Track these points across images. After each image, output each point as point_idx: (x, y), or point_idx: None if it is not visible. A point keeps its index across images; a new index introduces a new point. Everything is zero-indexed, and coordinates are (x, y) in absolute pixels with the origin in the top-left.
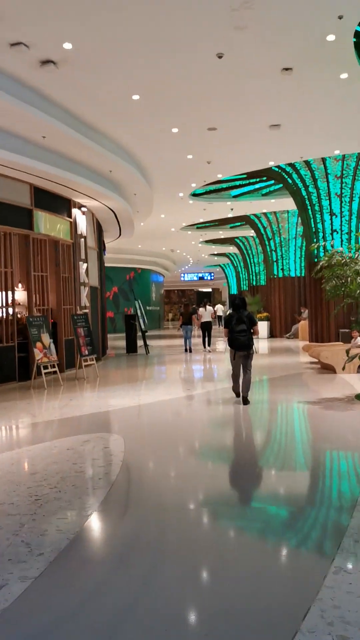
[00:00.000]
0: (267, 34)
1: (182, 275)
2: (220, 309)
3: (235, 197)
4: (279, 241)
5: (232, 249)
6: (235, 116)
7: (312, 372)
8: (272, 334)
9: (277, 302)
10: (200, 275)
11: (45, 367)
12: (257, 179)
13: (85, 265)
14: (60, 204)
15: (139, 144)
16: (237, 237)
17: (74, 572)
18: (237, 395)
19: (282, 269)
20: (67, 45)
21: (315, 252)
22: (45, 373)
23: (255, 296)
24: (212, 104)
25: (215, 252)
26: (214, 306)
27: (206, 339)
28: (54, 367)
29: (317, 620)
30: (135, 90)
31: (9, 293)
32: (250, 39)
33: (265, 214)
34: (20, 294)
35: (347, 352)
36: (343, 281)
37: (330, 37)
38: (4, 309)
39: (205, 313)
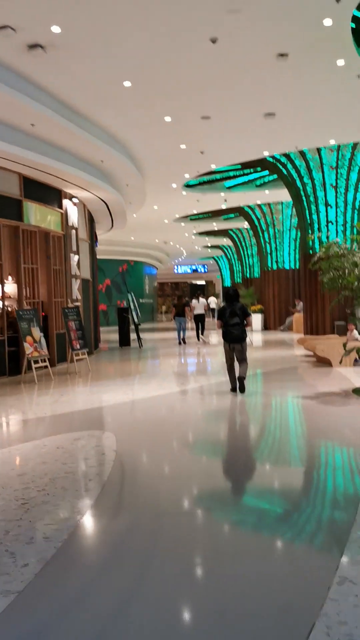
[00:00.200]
0: (262, 18)
1: (176, 267)
2: (213, 302)
3: (229, 188)
4: (273, 233)
5: (225, 241)
6: (229, 104)
7: (307, 366)
8: (266, 327)
9: (271, 294)
10: (193, 267)
11: (36, 362)
12: (251, 170)
13: (76, 257)
14: (50, 195)
15: (131, 133)
16: (230, 229)
17: (61, 585)
18: (234, 390)
19: (276, 261)
20: (56, 29)
21: (310, 243)
22: (35, 368)
23: (249, 288)
24: (206, 92)
25: (209, 244)
26: (207, 299)
27: (199, 331)
28: (44, 361)
29: (323, 638)
30: (127, 76)
31: None
32: (245, 23)
33: (259, 205)
34: (10, 287)
35: (344, 345)
36: (340, 273)
37: (327, 22)
38: None
39: (198, 305)
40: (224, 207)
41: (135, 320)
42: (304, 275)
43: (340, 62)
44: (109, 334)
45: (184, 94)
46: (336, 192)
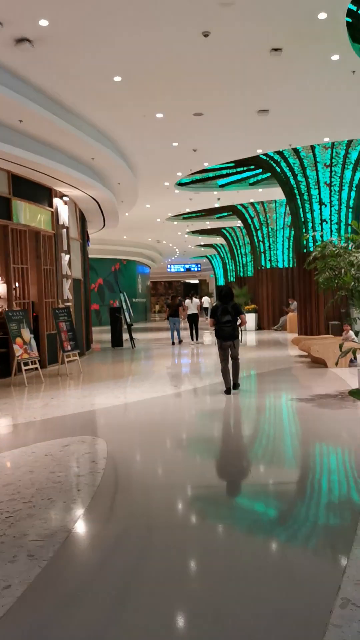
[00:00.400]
0: (256, 11)
1: (169, 266)
2: (206, 301)
3: (222, 186)
4: (267, 232)
5: (219, 240)
6: (222, 100)
7: (302, 366)
8: (259, 326)
9: (264, 293)
10: (187, 266)
11: (26, 364)
12: (245, 168)
13: (67, 256)
14: (40, 193)
15: (122, 130)
16: (224, 228)
17: (45, 611)
18: (228, 392)
19: (270, 260)
20: (43, 22)
21: (305, 242)
22: (26, 370)
23: (243, 288)
24: (198, 87)
25: (202, 243)
26: (200, 298)
27: (193, 331)
28: (35, 363)
29: None
30: (117, 71)
31: None
32: (238, 16)
33: (252, 203)
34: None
35: (341, 346)
36: (336, 273)
37: (322, 15)
38: None
39: (191, 305)
40: (217, 205)
41: (128, 320)
42: (298, 275)
43: (335, 57)
44: (102, 334)
45: (175, 89)
46: (330, 190)
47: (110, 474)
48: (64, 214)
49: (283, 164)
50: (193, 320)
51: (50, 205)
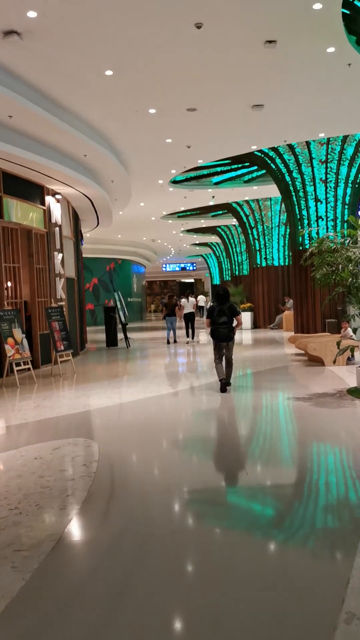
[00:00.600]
0: (249, 0)
1: (164, 265)
2: (202, 300)
3: (216, 184)
4: (262, 230)
5: (214, 239)
6: (215, 95)
7: (299, 365)
8: (255, 325)
9: (260, 292)
10: (182, 265)
11: (18, 364)
12: (239, 165)
13: (60, 255)
14: (32, 191)
15: (114, 125)
16: (219, 226)
17: (28, 629)
18: (223, 390)
19: (266, 258)
20: (31, 14)
21: (300, 239)
22: (17, 370)
23: (238, 286)
24: (191, 82)
25: (197, 242)
26: (196, 297)
27: (189, 330)
28: (27, 363)
29: None
30: (108, 64)
31: None
32: (231, 6)
33: (247, 201)
34: None
35: (338, 343)
36: (334, 269)
37: (317, 6)
38: None
39: (187, 304)
40: (211, 203)
41: (123, 319)
42: (294, 272)
43: (331, 50)
44: (97, 334)
45: (168, 83)
46: (326, 187)
47: (102, 477)
48: (57, 212)
49: (278, 161)
50: (189, 319)
51: (43, 203)
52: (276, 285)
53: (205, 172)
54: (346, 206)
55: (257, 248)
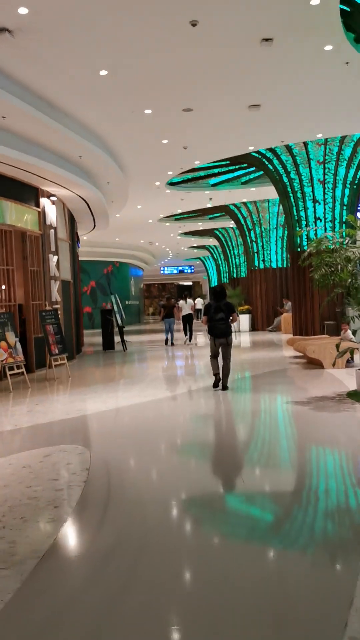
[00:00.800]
0: None
1: (162, 268)
2: (200, 303)
3: (213, 185)
4: (260, 232)
5: (211, 241)
6: (212, 95)
7: (298, 368)
8: (254, 327)
9: (258, 294)
10: (180, 268)
11: (11, 368)
12: (237, 166)
13: (55, 258)
14: (27, 193)
15: (109, 126)
16: (216, 229)
17: None
18: (216, 386)
19: (263, 260)
20: (23, 10)
21: (298, 240)
22: (11, 375)
23: (236, 288)
24: (187, 81)
25: (195, 245)
26: (194, 300)
27: (187, 331)
28: (20, 367)
29: None
30: (102, 64)
31: None
32: (227, 3)
33: (245, 203)
34: None
35: (337, 346)
36: (333, 269)
37: (315, 1)
38: None
39: (185, 306)
40: (209, 205)
41: (119, 322)
42: (292, 274)
43: (328, 48)
44: (95, 337)
45: (163, 83)
46: (324, 187)
47: (91, 488)
48: (52, 214)
49: (275, 162)
50: (187, 320)
51: (37, 205)
52: (274, 288)
53: (202, 173)
54: (344, 207)
55: (255, 250)
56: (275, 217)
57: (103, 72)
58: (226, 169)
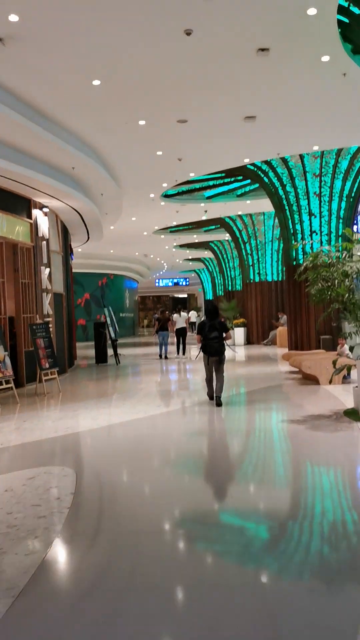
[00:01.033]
0: (241, 5)
1: (157, 281)
2: (194, 316)
3: (209, 198)
4: (255, 245)
5: (207, 254)
6: (207, 106)
7: (293, 383)
8: (249, 341)
9: (253, 307)
10: (175, 280)
11: (0, 383)
12: (232, 179)
13: (47, 270)
14: (18, 204)
15: (103, 137)
16: (211, 241)
17: None
18: (211, 398)
19: (259, 273)
20: (13, 18)
21: (294, 253)
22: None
23: (231, 301)
24: (182, 92)
25: (190, 257)
26: (188, 312)
27: (181, 345)
28: (9, 382)
29: None
30: (95, 73)
31: None
32: (222, 12)
33: (240, 216)
34: None
35: (334, 363)
36: (329, 284)
37: (312, 11)
38: None
39: (180, 319)
40: (204, 218)
41: (113, 335)
42: (288, 287)
43: (325, 59)
44: (88, 350)
45: (158, 94)
46: (320, 200)
47: (76, 515)
48: (44, 225)
49: (271, 174)
50: (181, 334)
51: (29, 216)
52: (269, 301)
53: (197, 185)
54: (340, 220)
55: (250, 263)
56: (271, 230)
57: (96, 82)
58: (222, 181)
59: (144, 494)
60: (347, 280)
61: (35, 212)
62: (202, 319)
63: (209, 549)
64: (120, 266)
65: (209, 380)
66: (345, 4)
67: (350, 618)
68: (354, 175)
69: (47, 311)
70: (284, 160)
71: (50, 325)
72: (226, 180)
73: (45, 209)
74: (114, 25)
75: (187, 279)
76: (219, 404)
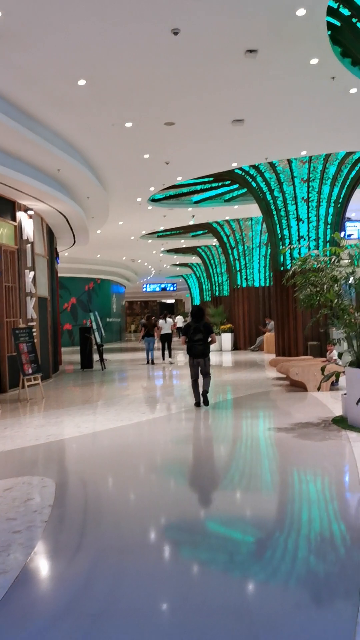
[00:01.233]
0: (229, 5)
1: (144, 286)
2: (180, 321)
3: (196, 202)
4: (243, 250)
5: (194, 259)
6: (194, 108)
7: (280, 390)
8: (236, 346)
9: (241, 313)
10: (162, 286)
11: None
12: (220, 183)
13: (32, 273)
14: (2, 206)
15: (88, 139)
16: (199, 247)
17: None
18: (197, 405)
19: (246, 279)
20: None
21: (282, 259)
22: None
23: (219, 307)
24: (169, 93)
25: (178, 262)
26: (175, 317)
27: (166, 351)
28: None
29: None
30: (81, 73)
31: None
32: (209, 11)
33: (228, 221)
34: None
35: (323, 370)
36: (318, 289)
37: (301, 12)
38: None
39: (165, 325)
40: (191, 223)
41: (98, 340)
42: (275, 293)
43: (314, 61)
44: (74, 355)
45: (144, 95)
46: (308, 205)
47: (54, 529)
48: (29, 228)
49: (259, 179)
50: (166, 339)
51: (14, 218)
52: (257, 306)
53: (185, 190)
54: (328, 226)
55: (238, 268)
56: (258, 236)
57: (81, 82)
58: (209, 185)
59: (127, 506)
60: (336, 285)
61: (20, 215)
62: (188, 322)
63: (194, 566)
64: (107, 271)
65: (194, 385)
66: (335, 5)
67: (337, 633)
68: (342, 181)
69: (31, 315)
70: (272, 165)
71: (34, 330)
72: (214, 184)
73: (30, 212)
74: (98, 22)
75: (175, 285)
76: (205, 403)
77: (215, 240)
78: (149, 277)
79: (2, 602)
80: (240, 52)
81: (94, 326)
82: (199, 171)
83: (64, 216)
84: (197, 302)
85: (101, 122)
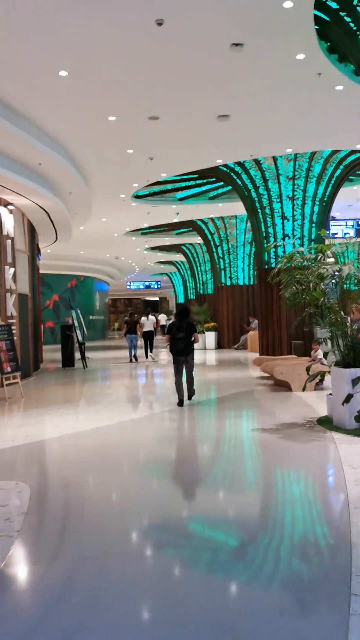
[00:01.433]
0: None
1: (128, 283)
2: (163, 319)
3: (180, 199)
4: (227, 248)
5: (178, 257)
6: (179, 103)
7: (264, 389)
8: (219, 345)
9: (225, 311)
10: (146, 283)
11: None
12: (204, 180)
13: (12, 270)
14: None
15: (71, 133)
16: (183, 244)
17: None
18: (180, 405)
19: (230, 277)
20: None
21: (266, 257)
22: None
23: (203, 305)
24: (153, 86)
25: (162, 260)
26: (158, 315)
27: (148, 349)
28: None
29: None
30: (62, 64)
31: None
32: (194, 1)
33: (212, 219)
34: None
35: (308, 369)
36: (304, 287)
37: (288, 4)
38: None
39: (147, 322)
40: (176, 220)
41: (80, 338)
42: (260, 291)
43: (300, 57)
44: (56, 353)
45: (128, 88)
46: (293, 204)
47: (27, 538)
48: (9, 223)
49: (244, 176)
50: (148, 337)
51: None
52: (241, 305)
53: (169, 186)
54: (313, 224)
55: (222, 267)
56: (243, 234)
57: (63, 73)
58: (194, 182)
59: (106, 511)
60: (322, 283)
61: (0, 209)
62: (172, 320)
63: (177, 573)
64: (91, 268)
65: (178, 383)
66: None
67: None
68: (327, 180)
69: (10, 312)
70: (257, 163)
71: (13, 328)
72: (198, 182)
73: (10, 207)
74: (80, 8)
75: (159, 282)
76: (189, 398)
77: (199, 238)
78: (133, 275)
79: None
80: (225, 45)
81: (76, 324)
82: (183, 167)
83: (46, 212)
84: (181, 299)
85: (83, 115)
